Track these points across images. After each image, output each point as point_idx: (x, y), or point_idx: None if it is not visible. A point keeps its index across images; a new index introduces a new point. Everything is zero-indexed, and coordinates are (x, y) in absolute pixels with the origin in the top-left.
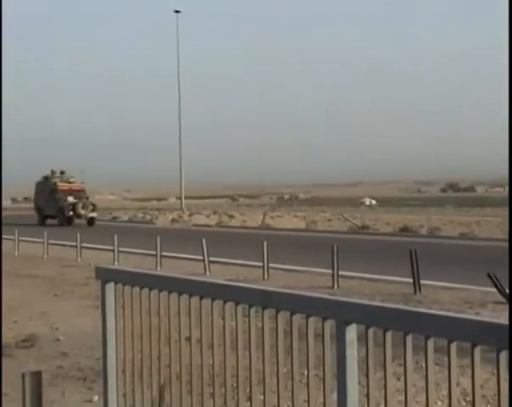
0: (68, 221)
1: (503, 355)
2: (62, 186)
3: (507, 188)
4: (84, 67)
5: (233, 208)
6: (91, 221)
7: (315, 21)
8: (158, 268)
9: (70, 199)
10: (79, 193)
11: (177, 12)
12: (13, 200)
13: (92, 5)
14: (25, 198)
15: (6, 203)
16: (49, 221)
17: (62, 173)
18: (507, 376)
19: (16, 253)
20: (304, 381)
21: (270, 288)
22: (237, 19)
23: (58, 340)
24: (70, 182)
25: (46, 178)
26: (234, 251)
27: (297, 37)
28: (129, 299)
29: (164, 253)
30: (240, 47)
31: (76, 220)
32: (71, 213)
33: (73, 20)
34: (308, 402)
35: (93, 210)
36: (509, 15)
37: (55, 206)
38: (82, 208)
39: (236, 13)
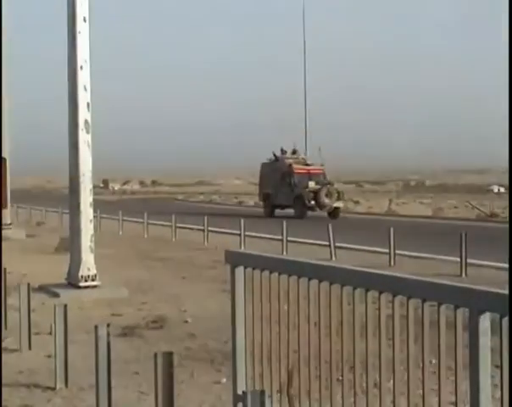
0: (305, 212)
1: None
2: (299, 168)
3: None
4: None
5: (359, 193)
6: (334, 212)
7: None
8: (284, 253)
9: (312, 185)
10: (319, 178)
11: None
12: (142, 184)
13: None
14: (153, 182)
15: (135, 186)
16: (279, 212)
17: (294, 152)
18: None
19: (145, 236)
20: (433, 369)
21: (401, 274)
22: None
23: (187, 322)
24: (308, 164)
25: (276, 159)
26: (360, 237)
27: None
28: (258, 283)
29: (289, 238)
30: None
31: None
32: (312, 202)
33: None
34: (439, 391)
35: (339, 199)
36: (509, 15)
37: (290, 194)
38: (326, 196)
39: None
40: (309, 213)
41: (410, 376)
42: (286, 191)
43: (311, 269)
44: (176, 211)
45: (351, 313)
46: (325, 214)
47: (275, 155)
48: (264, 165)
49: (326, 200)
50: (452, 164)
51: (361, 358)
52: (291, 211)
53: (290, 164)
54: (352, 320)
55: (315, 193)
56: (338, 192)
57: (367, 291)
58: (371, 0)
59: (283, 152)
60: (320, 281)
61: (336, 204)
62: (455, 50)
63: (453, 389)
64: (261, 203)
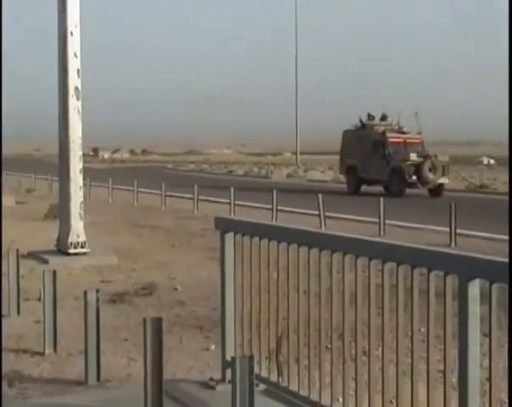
0: (403, 189)
1: None
2: (394, 137)
3: None
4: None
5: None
6: (438, 190)
7: None
8: (274, 221)
9: (413, 157)
10: (417, 148)
11: None
12: (132, 152)
13: None
14: (143, 151)
15: (125, 155)
16: (364, 188)
17: (383, 118)
18: None
19: (135, 204)
20: (422, 338)
21: (391, 241)
22: None
23: (176, 289)
24: (404, 132)
25: (363, 125)
26: (349, 207)
27: None
28: (248, 250)
29: (279, 208)
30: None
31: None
32: (414, 177)
33: None
34: (428, 358)
35: (443, 174)
36: (509, 15)
37: (385, 167)
38: (430, 170)
39: None
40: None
41: (399, 344)
42: (378, 163)
43: (301, 235)
44: (166, 180)
45: (341, 281)
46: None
47: (361, 121)
48: (347, 133)
49: (430, 175)
50: (441, 137)
51: (350, 326)
52: (375, 189)
53: (383, 132)
54: (341, 287)
55: (417, 167)
56: (443, 166)
57: (357, 257)
58: None
59: (370, 117)
60: (310, 248)
61: (440, 180)
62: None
63: (441, 357)
64: (342, 176)
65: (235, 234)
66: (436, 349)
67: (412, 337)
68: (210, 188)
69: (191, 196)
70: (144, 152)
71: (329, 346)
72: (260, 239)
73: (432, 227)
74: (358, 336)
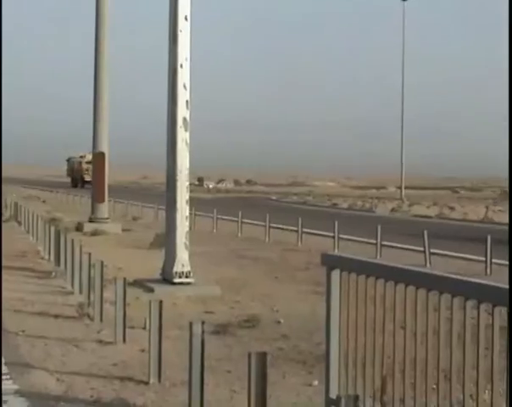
0: None
1: None
2: None
3: None
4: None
5: (454, 199)
6: None
7: None
8: (378, 257)
9: None
10: None
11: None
12: (236, 182)
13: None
14: (248, 181)
15: (230, 185)
16: None
17: None
18: None
19: (239, 235)
20: None
21: (501, 284)
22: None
23: (279, 322)
24: None
25: None
26: (455, 244)
27: None
28: (354, 287)
29: (383, 242)
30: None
31: None
32: None
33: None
34: None
35: None
36: (509, 15)
37: None
38: None
39: None
40: None
41: (508, 389)
42: None
43: (409, 275)
44: (270, 211)
45: (448, 321)
46: None
47: None
48: None
49: None
50: None
51: (457, 367)
52: None
53: None
54: (449, 328)
55: None
56: None
57: (466, 300)
58: None
59: None
60: (417, 288)
61: None
62: None
63: None
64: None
65: (341, 271)
66: None
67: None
68: (314, 220)
69: (294, 228)
70: (249, 182)
71: (434, 387)
72: (367, 277)
73: None
74: (465, 378)
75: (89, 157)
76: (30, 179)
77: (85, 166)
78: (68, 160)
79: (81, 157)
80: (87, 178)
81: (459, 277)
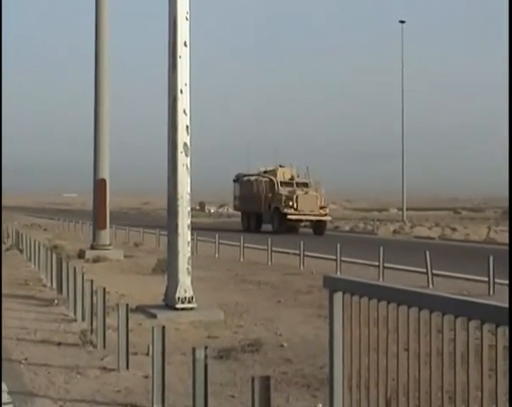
0: None
1: None
2: None
3: None
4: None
5: (456, 220)
6: None
7: None
8: (381, 279)
9: None
10: None
11: (402, 22)
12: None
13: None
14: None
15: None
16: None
17: None
18: None
19: (241, 259)
20: None
21: (504, 304)
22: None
23: (282, 346)
24: None
25: None
26: (457, 264)
27: None
28: (356, 309)
29: (385, 265)
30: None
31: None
32: None
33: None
34: None
35: None
36: (510, 14)
37: None
38: None
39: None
40: None
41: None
42: None
43: (411, 297)
44: (271, 234)
45: (451, 342)
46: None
47: None
48: None
49: None
50: None
51: (462, 388)
52: None
53: None
54: (453, 349)
55: None
56: None
57: (469, 320)
58: None
59: None
60: (420, 310)
61: None
62: None
63: None
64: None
65: (344, 293)
66: None
67: None
68: (316, 243)
69: (296, 251)
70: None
71: None
72: (369, 299)
73: None
74: (470, 399)
75: (286, 173)
76: (30, 207)
77: (283, 191)
78: (237, 179)
79: (266, 172)
80: (291, 214)
81: (461, 298)
